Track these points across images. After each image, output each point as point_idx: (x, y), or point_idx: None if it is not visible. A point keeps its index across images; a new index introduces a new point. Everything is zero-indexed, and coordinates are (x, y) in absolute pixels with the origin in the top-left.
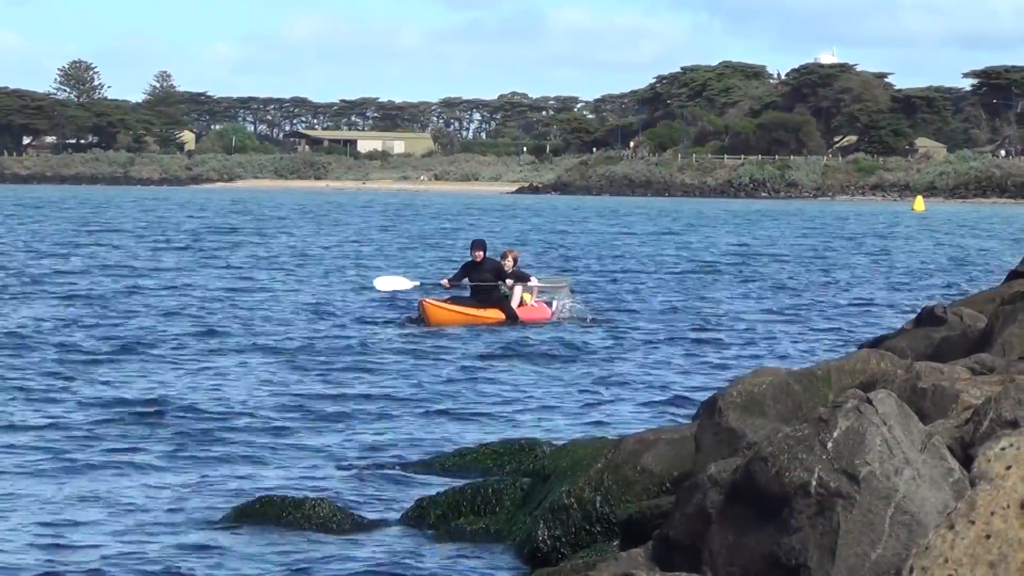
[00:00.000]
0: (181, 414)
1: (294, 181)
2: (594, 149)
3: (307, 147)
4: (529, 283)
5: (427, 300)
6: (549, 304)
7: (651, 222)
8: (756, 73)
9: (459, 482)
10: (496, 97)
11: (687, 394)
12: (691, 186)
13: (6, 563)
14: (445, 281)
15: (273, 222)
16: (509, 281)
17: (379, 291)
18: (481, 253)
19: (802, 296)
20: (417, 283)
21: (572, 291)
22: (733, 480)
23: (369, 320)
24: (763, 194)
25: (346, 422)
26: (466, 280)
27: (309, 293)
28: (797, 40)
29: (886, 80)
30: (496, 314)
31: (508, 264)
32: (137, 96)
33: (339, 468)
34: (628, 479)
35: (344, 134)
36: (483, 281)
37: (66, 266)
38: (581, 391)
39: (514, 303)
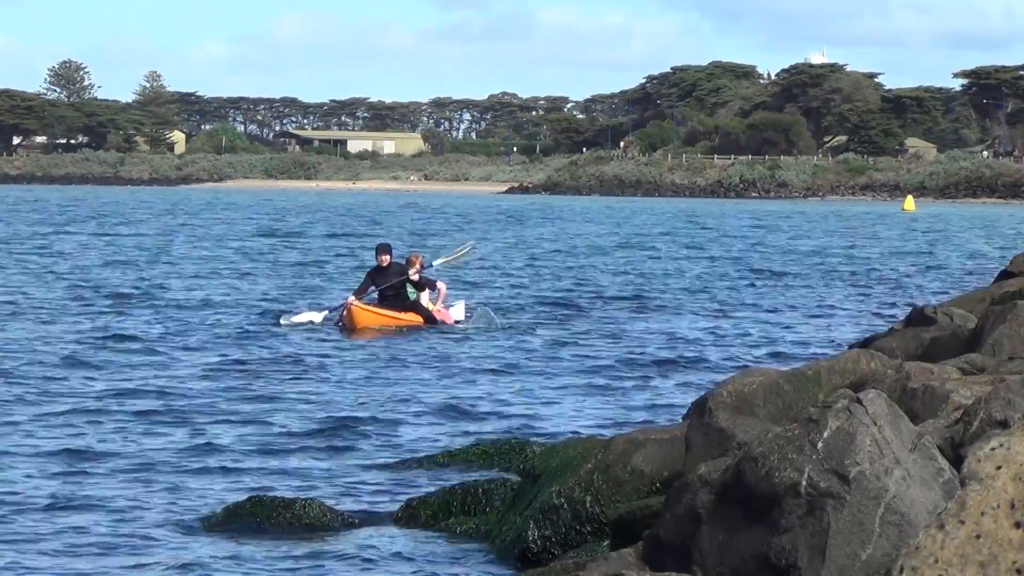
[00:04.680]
0: (170, 414)
1: (284, 181)
2: (584, 149)
3: (297, 147)
4: (437, 288)
5: (354, 304)
6: (447, 309)
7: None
8: (746, 73)
9: (449, 482)
10: (486, 97)
11: (677, 394)
12: (681, 186)
13: None
14: (352, 298)
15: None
16: (440, 286)
17: (285, 326)
18: (387, 257)
19: (792, 296)
20: (325, 313)
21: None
22: (723, 480)
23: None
24: (753, 194)
25: (335, 423)
26: (373, 288)
27: (301, 293)
28: (787, 40)
29: (876, 80)
30: (415, 317)
31: (414, 270)
32: (127, 96)
33: (329, 468)
34: (618, 479)
35: (334, 134)
36: (391, 288)
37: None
38: (571, 391)
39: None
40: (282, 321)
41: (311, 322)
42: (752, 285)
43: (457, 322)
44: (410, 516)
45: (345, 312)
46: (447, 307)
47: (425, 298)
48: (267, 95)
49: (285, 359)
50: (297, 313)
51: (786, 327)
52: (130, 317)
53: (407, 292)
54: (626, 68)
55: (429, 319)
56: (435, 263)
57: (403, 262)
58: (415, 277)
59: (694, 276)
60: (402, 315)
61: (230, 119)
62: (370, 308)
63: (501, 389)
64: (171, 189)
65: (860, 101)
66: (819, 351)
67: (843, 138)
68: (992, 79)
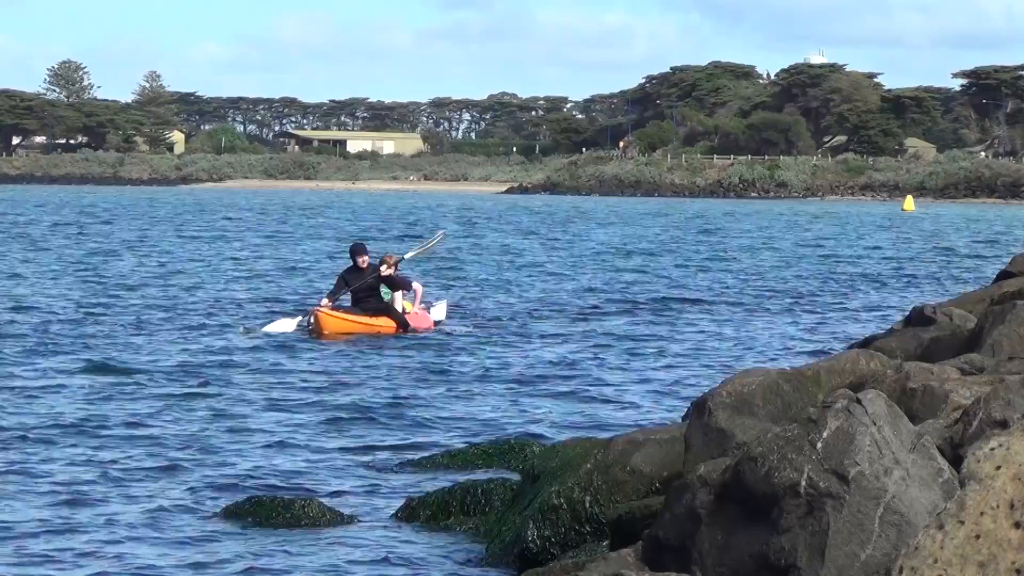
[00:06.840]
0: (170, 415)
1: (284, 181)
2: (583, 149)
3: (297, 147)
4: (412, 288)
5: (320, 310)
6: (428, 310)
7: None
8: (745, 73)
9: (449, 482)
10: (485, 97)
11: (677, 394)
12: (680, 186)
13: None
14: (325, 300)
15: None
16: (416, 286)
17: (267, 335)
18: (365, 258)
19: (792, 296)
20: (299, 318)
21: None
22: (723, 480)
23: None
24: (752, 194)
25: (334, 423)
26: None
27: (302, 291)
28: (786, 40)
29: (876, 80)
30: (388, 322)
31: (387, 270)
32: (126, 96)
33: (328, 469)
34: (618, 479)
35: (334, 134)
36: (365, 287)
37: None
38: (570, 391)
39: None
40: (265, 330)
41: (286, 330)
42: (751, 285)
43: (437, 323)
44: (410, 516)
45: (312, 318)
46: (424, 306)
47: (399, 299)
48: (267, 95)
49: (282, 362)
50: (270, 323)
51: (785, 327)
52: (131, 311)
53: (381, 293)
54: (626, 68)
55: (402, 324)
56: (406, 255)
57: (376, 262)
58: (388, 272)
59: (693, 277)
60: (373, 320)
61: (229, 119)
62: (337, 314)
63: (500, 390)
64: (172, 189)
65: (859, 101)
66: (819, 351)
67: (842, 138)
68: (991, 79)
